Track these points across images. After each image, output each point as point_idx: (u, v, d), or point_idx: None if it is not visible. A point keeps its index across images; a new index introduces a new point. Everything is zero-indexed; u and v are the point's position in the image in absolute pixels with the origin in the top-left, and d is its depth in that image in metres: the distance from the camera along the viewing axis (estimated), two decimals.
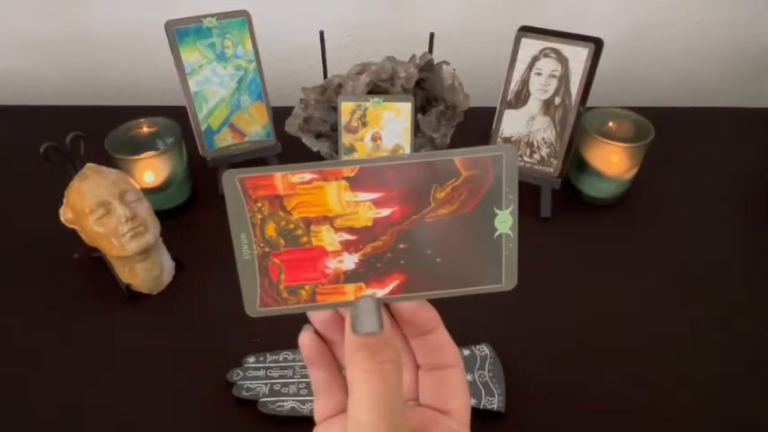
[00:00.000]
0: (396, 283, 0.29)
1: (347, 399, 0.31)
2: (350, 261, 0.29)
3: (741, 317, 0.66)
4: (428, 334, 0.31)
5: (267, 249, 0.28)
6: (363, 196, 0.28)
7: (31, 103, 1.02)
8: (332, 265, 0.29)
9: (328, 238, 0.28)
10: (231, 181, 0.27)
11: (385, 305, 0.30)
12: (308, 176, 0.28)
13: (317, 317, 0.31)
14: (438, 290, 0.30)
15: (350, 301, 0.29)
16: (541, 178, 0.77)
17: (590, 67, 0.72)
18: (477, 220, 0.29)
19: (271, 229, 0.28)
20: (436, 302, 0.30)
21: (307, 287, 0.29)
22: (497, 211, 0.29)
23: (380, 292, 0.29)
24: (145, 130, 0.77)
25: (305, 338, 0.31)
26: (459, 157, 0.28)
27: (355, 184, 0.28)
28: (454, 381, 0.32)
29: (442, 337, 0.32)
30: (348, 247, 0.29)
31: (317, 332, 0.31)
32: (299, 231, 0.28)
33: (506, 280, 0.30)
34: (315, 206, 0.28)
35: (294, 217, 0.28)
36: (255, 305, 0.29)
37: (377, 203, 0.28)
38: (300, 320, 0.31)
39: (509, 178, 0.28)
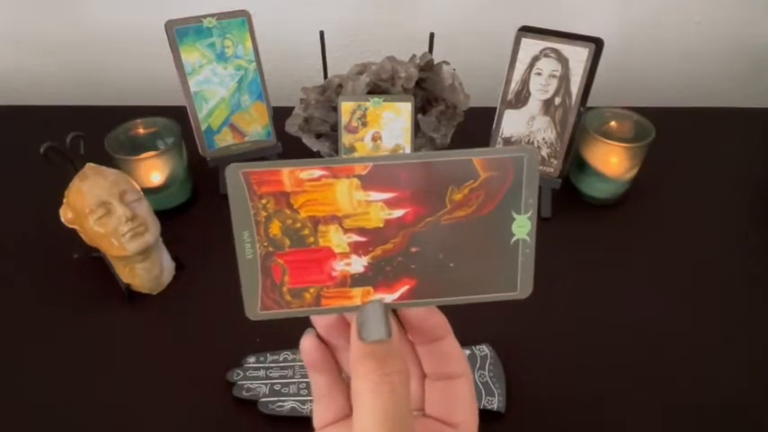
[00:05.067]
0: (405, 288, 0.28)
1: (348, 405, 0.30)
2: (358, 264, 0.27)
3: (742, 316, 0.66)
4: (437, 342, 0.30)
5: (271, 249, 0.27)
6: (375, 196, 0.27)
7: (31, 103, 1.02)
8: (339, 267, 0.27)
9: (336, 238, 0.27)
10: (235, 175, 0.26)
11: (392, 311, 0.28)
12: (317, 173, 0.26)
13: (320, 321, 0.30)
14: (449, 296, 0.28)
15: (356, 306, 0.28)
16: (541, 178, 0.76)
17: (590, 67, 0.72)
18: (493, 224, 0.27)
19: (275, 228, 0.27)
20: (442, 307, 0.29)
21: (311, 290, 0.28)
22: (516, 215, 0.27)
23: (389, 298, 0.28)
24: (145, 130, 0.77)
25: (307, 343, 0.30)
26: (479, 158, 0.26)
27: (368, 182, 0.26)
28: (462, 392, 0.31)
29: (451, 345, 0.30)
30: (357, 249, 0.27)
31: (319, 336, 0.30)
32: (306, 231, 0.27)
33: (521, 288, 0.28)
34: (323, 205, 0.27)
35: (301, 215, 0.27)
36: (256, 308, 0.28)
37: (389, 204, 0.27)
38: (302, 320, 0.31)
39: (529, 181, 0.27)
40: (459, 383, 0.31)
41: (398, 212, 0.27)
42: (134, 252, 0.62)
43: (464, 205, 0.27)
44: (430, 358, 0.31)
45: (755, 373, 0.61)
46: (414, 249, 0.27)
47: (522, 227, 0.27)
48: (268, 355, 0.59)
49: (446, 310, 0.32)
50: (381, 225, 0.27)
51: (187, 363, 0.61)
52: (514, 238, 0.28)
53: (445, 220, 0.27)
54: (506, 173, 0.27)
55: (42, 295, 0.68)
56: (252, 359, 0.59)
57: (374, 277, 0.28)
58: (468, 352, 0.59)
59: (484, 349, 0.60)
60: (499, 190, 0.27)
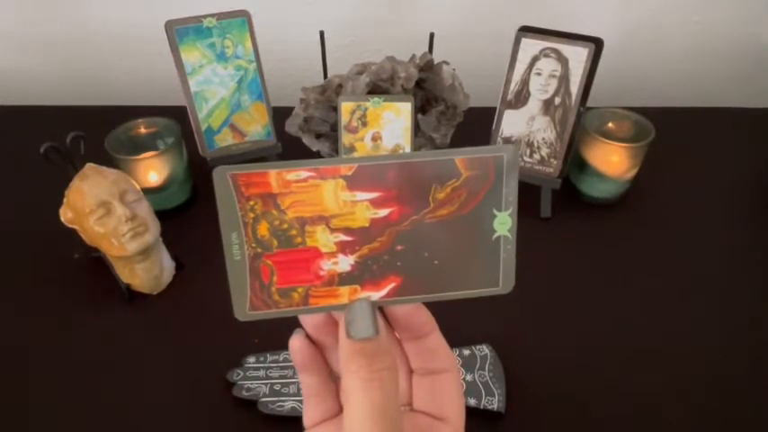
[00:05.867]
0: (392, 285, 0.28)
1: (337, 403, 0.31)
2: (345, 263, 0.28)
3: (741, 316, 0.66)
4: (423, 338, 0.31)
5: (259, 250, 0.27)
6: (361, 196, 0.27)
7: (31, 103, 1.02)
8: (326, 266, 0.28)
9: (323, 238, 0.27)
10: (223, 177, 0.26)
11: (379, 308, 0.29)
12: (304, 174, 0.27)
13: (309, 320, 0.30)
14: (434, 293, 0.29)
15: (344, 305, 0.28)
16: (541, 178, 0.77)
17: (590, 67, 0.72)
18: (476, 221, 0.28)
19: (263, 229, 0.27)
20: (435, 303, 0.30)
21: (299, 289, 0.28)
22: (497, 212, 0.28)
23: (375, 296, 0.28)
24: (145, 130, 0.77)
25: (296, 343, 0.30)
26: (460, 157, 0.27)
27: (353, 182, 0.27)
28: (449, 386, 0.31)
29: (437, 341, 0.31)
30: (344, 248, 0.28)
31: (308, 336, 0.30)
32: (294, 231, 0.27)
33: (503, 283, 0.29)
34: (310, 205, 0.27)
35: (288, 216, 0.27)
36: (245, 308, 0.28)
37: (375, 203, 0.27)
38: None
39: (510, 179, 0.28)
40: (447, 378, 0.31)
41: (384, 212, 0.27)
42: (134, 252, 0.62)
43: (447, 204, 0.28)
44: (417, 354, 0.31)
45: (756, 373, 0.61)
46: (399, 247, 0.28)
47: (504, 224, 0.28)
48: (268, 355, 0.59)
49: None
50: (367, 224, 0.28)
51: (187, 363, 0.61)
52: (496, 235, 0.28)
53: (429, 218, 0.28)
54: (487, 171, 0.27)
55: (42, 295, 0.68)
56: (252, 359, 0.59)
57: (361, 276, 0.28)
58: (468, 352, 0.59)
59: (484, 349, 0.60)
60: (481, 188, 0.28)
